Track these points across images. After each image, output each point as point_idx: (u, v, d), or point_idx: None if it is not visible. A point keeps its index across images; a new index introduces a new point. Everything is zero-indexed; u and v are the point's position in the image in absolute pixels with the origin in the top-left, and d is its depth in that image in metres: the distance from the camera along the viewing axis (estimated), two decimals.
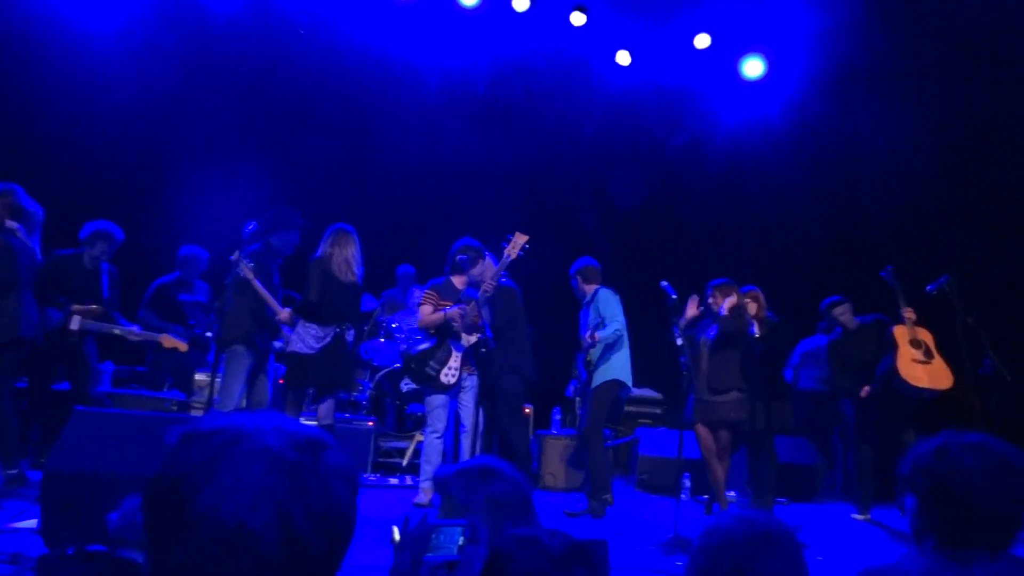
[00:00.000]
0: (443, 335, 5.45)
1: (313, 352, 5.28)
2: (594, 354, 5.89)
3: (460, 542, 1.92)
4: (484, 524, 1.91)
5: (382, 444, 6.77)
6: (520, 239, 5.27)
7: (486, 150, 8.30)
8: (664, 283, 5.52)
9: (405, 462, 6.64)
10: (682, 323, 5.44)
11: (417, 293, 7.40)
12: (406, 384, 6.83)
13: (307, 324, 5.32)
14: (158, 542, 0.89)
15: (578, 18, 7.99)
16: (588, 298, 6.00)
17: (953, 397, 5.47)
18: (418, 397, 6.80)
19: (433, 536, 1.82)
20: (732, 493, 6.93)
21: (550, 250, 5.83)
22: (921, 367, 5.74)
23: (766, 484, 6.06)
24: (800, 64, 8.19)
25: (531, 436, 6.90)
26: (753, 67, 8.52)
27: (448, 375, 5.37)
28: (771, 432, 6.07)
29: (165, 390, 6.49)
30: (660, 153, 8.90)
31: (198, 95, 7.85)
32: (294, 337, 5.33)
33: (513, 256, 5.26)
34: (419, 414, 6.78)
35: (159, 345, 5.60)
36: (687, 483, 6.57)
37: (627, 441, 7.59)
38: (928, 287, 5.56)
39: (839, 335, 6.47)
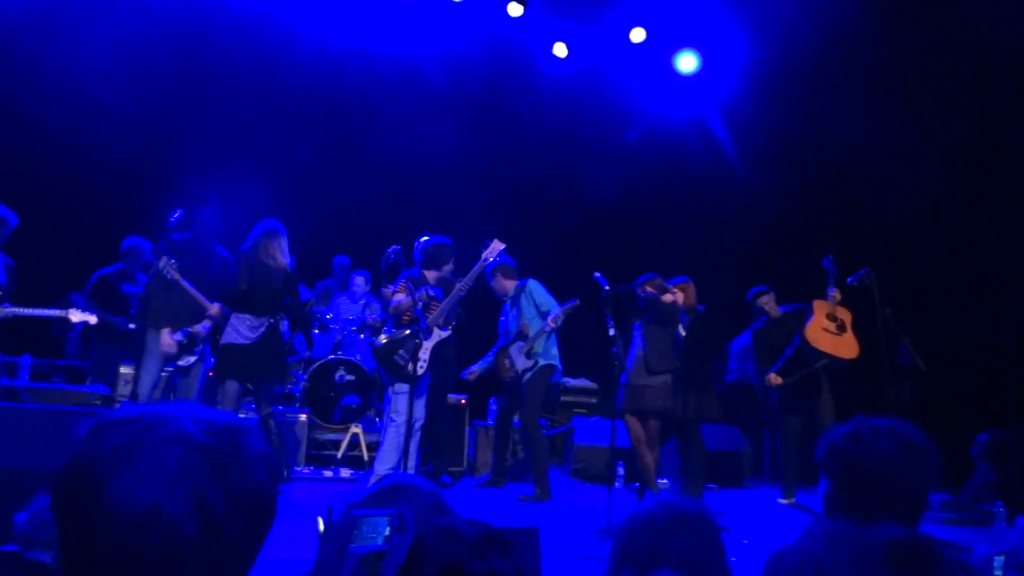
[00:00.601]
0: (415, 326, 5.52)
1: (248, 343, 5.29)
2: (539, 344, 6.03)
3: (387, 532, 1.91)
4: (411, 514, 1.90)
5: (316, 436, 6.69)
6: (497, 245, 5.54)
7: (436, 143, 8.32)
8: (597, 274, 5.60)
9: (340, 454, 6.58)
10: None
11: (359, 280, 7.35)
12: (341, 376, 6.76)
13: (241, 315, 5.32)
14: (68, 534, 0.87)
15: (515, 9, 7.99)
16: (511, 293, 6.19)
17: (869, 384, 5.71)
18: (353, 388, 6.74)
19: (358, 526, 1.81)
20: (665, 480, 7.09)
21: (482, 239, 5.85)
22: (829, 336, 6.00)
23: (695, 471, 6.21)
24: (733, 59, 8.35)
25: (467, 426, 6.91)
26: (687, 62, 8.66)
27: (417, 366, 5.44)
28: (699, 421, 6.23)
29: (88, 383, 6.28)
30: (595, 145, 8.99)
31: (195, 96, 7.91)
32: (228, 328, 5.32)
33: (490, 260, 5.55)
34: (354, 405, 6.74)
35: (95, 337, 5.50)
36: (620, 471, 6.68)
37: (563, 431, 7.67)
38: (849, 279, 5.77)
39: (763, 323, 6.66)
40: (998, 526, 5.49)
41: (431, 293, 5.56)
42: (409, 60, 8.29)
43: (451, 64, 8.39)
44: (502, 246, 5.53)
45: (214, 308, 5.33)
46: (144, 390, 5.13)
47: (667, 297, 5.66)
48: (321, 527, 1.91)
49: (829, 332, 6.01)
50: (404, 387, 5.44)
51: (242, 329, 5.30)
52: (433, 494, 1.93)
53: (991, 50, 6.57)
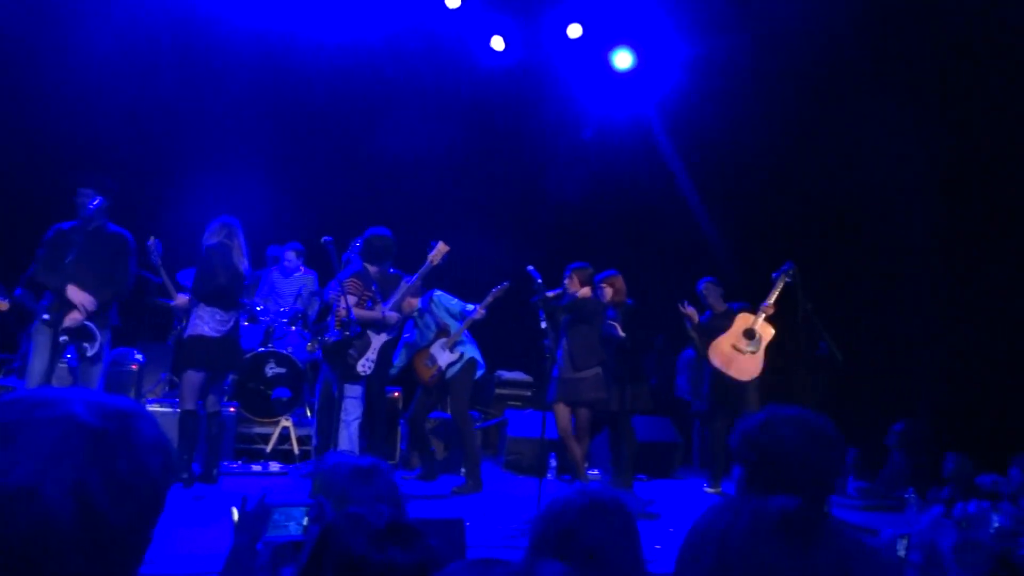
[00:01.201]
0: (365, 327, 5.53)
1: (219, 336, 5.33)
2: (461, 336, 6.06)
3: (304, 522, 1.89)
4: (330, 505, 1.89)
5: (244, 430, 6.56)
6: (443, 248, 5.59)
7: (386, 136, 8.29)
8: (530, 268, 5.65)
9: (269, 448, 6.47)
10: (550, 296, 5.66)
11: (290, 254, 7.25)
12: (271, 368, 6.64)
13: (212, 308, 5.31)
14: None
15: (452, 0, 7.96)
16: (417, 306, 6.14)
17: (788, 375, 5.91)
18: (283, 382, 6.63)
19: (274, 516, 1.79)
20: (595, 471, 7.20)
21: (418, 233, 5.86)
22: (736, 353, 6.20)
23: (625, 462, 6.33)
24: (668, 56, 8.47)
25: (400, 419, 6.88)
26: (623, 59, 8.75)
27: (365, 365, 5.49)
28: (631, 413, 6.34)
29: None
30: (533, 139, 9.03)
31: (191, 97, 7.82)
32: (195, 321, 5.29)
33: (434, 263, 5.60)
34: (285, 399, 6.63)
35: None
36: (553, 463, 6.75)
37: (496, 423, 7.71)
38: (773, 274, 5.95)
39: (708, 316, 6.79)
40: (909, 511, 5.74)
41: (364, 286, 5.56)
42: (356, 53, 8.20)
43: (392, 55, 8.32)
44: (447, 249, 5.57)
45: (182, 300, 5.42)
46: (34, 381, 4.97)
47: (583, 292, 5.72)
48: (235, 516, 1.89)
49: (735, 348, 6.21)
50: (356, 389, 5.53)
51: (212, 322, 5.31)
52: (392, 482, 1.96)
53: (926, 46, 6.80)
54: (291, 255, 7.25)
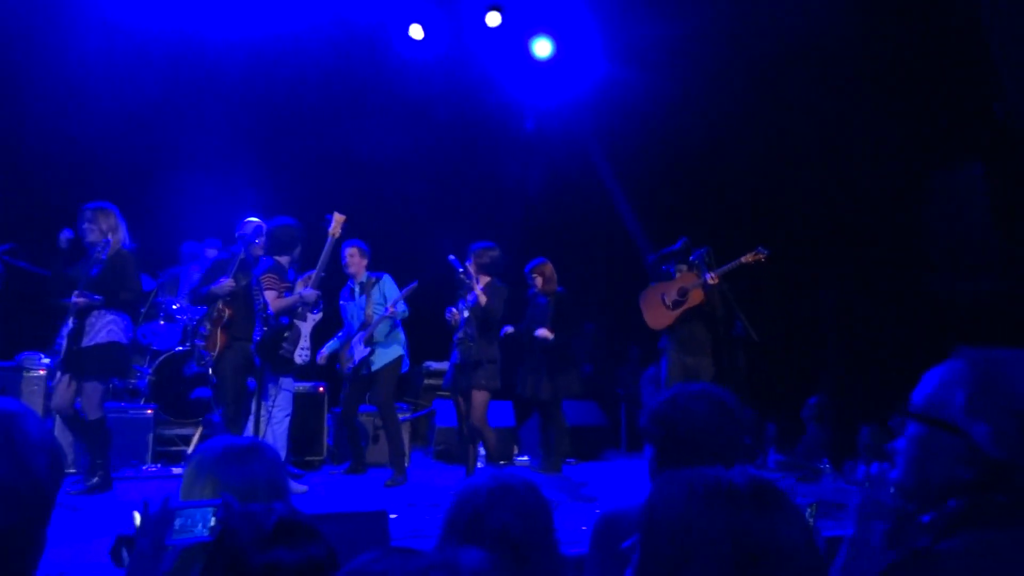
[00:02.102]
0: (292, 317, 5.43)
1: (129, 342, 5.21)
2: (379, 333, 6.01)
3: (212, 523, 1.83)
4: (238, 503, 1.84)
5: (164, 432, 6.36)
6: (339, 218, 5.44)
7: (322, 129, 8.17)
8: (451, 257, 5.64)
9: (191, 450, 6.29)
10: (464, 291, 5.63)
11: (210, 252, 7.08)
12: (189, 368, 6.45)
13: (125, 315, 5.16)
14: None
15: None
16: (363, 278, 6.10)
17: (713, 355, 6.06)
18: (203, 382, 6.45)
19: (177, 519, 1.73)
20: (524, 457, 7.27)
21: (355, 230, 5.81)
22: (659, 302, 6.24)
23: (554, 447, 6.40)
24: (588, 45, 8.52)
25: (326, 414, 6.79)
26: (542, 47, 8.76)
27: (301, 355, 5.42)
28: (558, 398, 6.41)
29: None
30: (450, 128, 8.97)
31: (184, 98, 7.71)
32: (112, 327, 5.06)
33: (336, 236, 5.44)
34: (205, 399, 6.46)
35: None
36: (482, 451, 6.76)
37: (425, 413, 7.69)
38: (691, 257, 6.08)
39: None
40: (825, 480, 5.99)
41: (279, 278, 5.49)
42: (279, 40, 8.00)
43: (311, 47, 8.14)
44: (343, 218, 5.43)
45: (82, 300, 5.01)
46: None
47: (481, 299, 5.65)
48: (137, 521, 1.82)
49: (663, 297, 6.25)
50: (288, 381, 5.46)
51: (127, 330, 5.17)
52: (273, 464, 1.89)
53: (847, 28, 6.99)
54: (210, 252, 7.06)
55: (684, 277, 6.23)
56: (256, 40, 7.69)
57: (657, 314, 6.20)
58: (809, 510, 2.65)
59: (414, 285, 5.99)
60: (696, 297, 6.09)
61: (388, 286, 6.10)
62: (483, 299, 5.60)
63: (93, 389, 5.03)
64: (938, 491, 1.29)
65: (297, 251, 5.65)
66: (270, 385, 5.41)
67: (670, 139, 8.38)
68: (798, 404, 7.17)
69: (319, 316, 5.58)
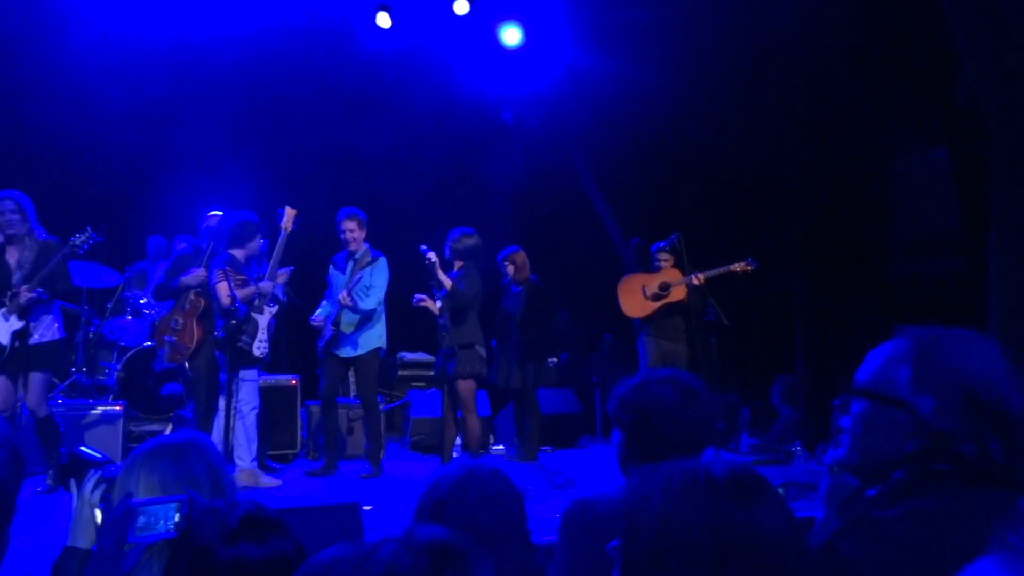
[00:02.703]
0: (250, 309, 5.34)
1: (65, 336, 5.19)
2: (347, 323, 5.80)
3: (176, 519, 1.81)
4: (200, 498, 1.82)
5: (133, 429, 6.28)
6: (291, 212, 5.42)
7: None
8: (423, 247, 5.63)
9: None
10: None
11: (181, 246, 6.97)
12: (159, 363, 6.37)
13: (57, 310, 5.09)
14: None
15: None
16: (359, 254, 5.85)
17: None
18: (173, 377, 6.38)
19: (140, 517, 1.71)
20: (501, 446, 7.28)
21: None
22: (638, 292, 6.30)
23: (529, 435, 6.41)
24: (557, 31, 8.48)
25: (299, 407, 6.74)
26: (511, 35, 8.71)
27: (260, 348, 5.35)
28: (534, 387, 6.42)
29: None
30: (423, 119, 8.92)
31: (182, 98, 7.66)
32: (54, 323, 4.99)
33: (288, 230, 5.42)
34: (176, 394, 6.39)
35: None
36: (459, 440, 6.76)
37: (400, 404, 7.67)
38: (662, 243, 6.11)
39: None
40: (796, 463, 6.07)
41: (235, 271, 5.38)
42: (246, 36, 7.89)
43: (274, 39, 8.05)
44: (294, 212, 5.42)
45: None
46: None
47: (446, 283, 5.65)
48: (99, 519, 1.80)
49: (643, 287, 6.30)
50: (251, 373, 5.39)
51: (60, 326, 5.11)
52: (210, 460, 1.86)
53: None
54: (181, 246, 6.95)
55: (668, 272, 6.30)
56: (229, 35, 7.58)
57: (634, 303, 6.25)
58: (781, 491, 2.68)
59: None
60: (678, 294, 6.18)
61: (379, 273, 5.84)
62: (447, 282, 5.60)
63: (44, 384, 4.98)
64: (885, 466, 1.32)
65: (254, 244, 5.53)
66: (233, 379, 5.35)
67: (640, 126, 8.40)
68: (767, 387, 7.25)
69: (275, 309, 5.50)
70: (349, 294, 5.62)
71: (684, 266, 5.96)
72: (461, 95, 8.91)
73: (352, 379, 6.61)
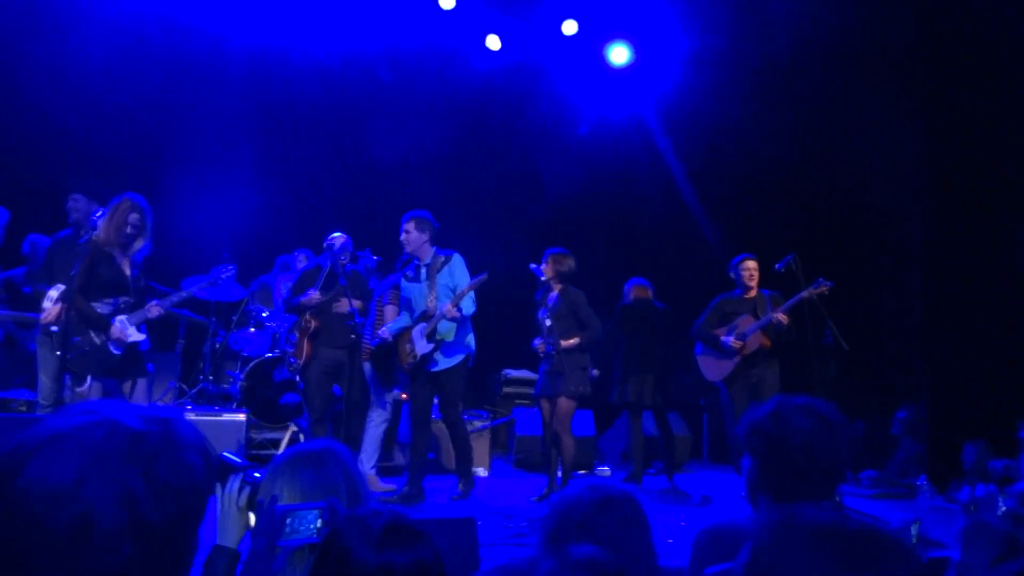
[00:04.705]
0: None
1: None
2: (445, 331, 5.37)
3: (318, 524, 1.90)
4: (342, 505, 1.90)
5: (255, 436, 6.58)
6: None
7: (389, 140, 8.31)
8: (533, 266, 5.65)
9: (280, 453, 6.49)
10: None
11: (301, 257, 7.34)
12: (278, 374, 6.67)
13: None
14: None
15: (447, 1, 7.95)
16: (429, 259, 5.48)
17: (797, 365, 5.88)
18: (292, 387, 6.65)
19: (288, 521, 1.80)
20: (606, 467, 7.21)
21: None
22: (710, 357, 6.24)
23: (666, 456, 6.39)
24: (667, 51, 8.43)
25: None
26: (619, 54, 8.73)
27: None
28: (666, 405, 6.42)
29: (12, 389, 6.05)
30: (531, 138, 9.02)
31: (184, 103, 7.88)
32: (133, 331, 4.84)
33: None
34: (293, 404, 6.67)
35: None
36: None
37: (505, 421, 7.72)
38: (777, 265, 5.92)
39: (736, 294, 6.38)
40: (921, 498, 5.73)
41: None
42: (354, 57, 8.22)
43: (394, 60, 8.36)
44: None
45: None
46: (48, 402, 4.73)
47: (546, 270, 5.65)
48: (252, 521, 1.90)
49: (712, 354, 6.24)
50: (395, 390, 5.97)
51: None
52: (347, 467, 1.94)
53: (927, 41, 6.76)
54: (301, 258, 7.29)
55: (744, 320, 6.10)
56: (269, 44, 7.87)
57: (710, 364, 6.22)
58: (912, 528, 2.55)
59: (482, 277, 5.25)
60: (754, 343, 5.96)
61: (459, 270, 5.43)
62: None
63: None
64: None
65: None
66: (380, 392, 5.91)
67: (742, 146, 8.25)
68: (885, 416, 6.89)
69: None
70: (455, 305, 5.20)
71: (801, 287, 5.75)
72: (572, 113, 8.99)
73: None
